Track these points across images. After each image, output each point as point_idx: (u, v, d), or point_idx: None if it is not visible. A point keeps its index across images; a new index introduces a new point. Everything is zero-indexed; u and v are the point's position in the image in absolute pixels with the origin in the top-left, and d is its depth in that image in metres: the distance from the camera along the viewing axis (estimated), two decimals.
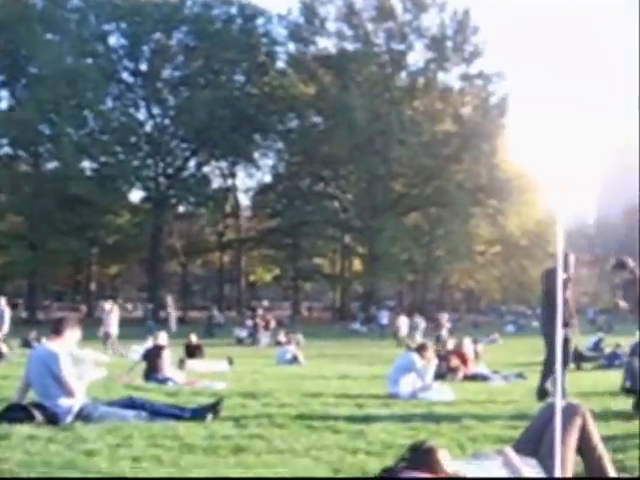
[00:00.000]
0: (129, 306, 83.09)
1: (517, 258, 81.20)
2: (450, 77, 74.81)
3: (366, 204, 72.08)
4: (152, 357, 14.98)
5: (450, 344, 18.97)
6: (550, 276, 11.85)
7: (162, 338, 16.69)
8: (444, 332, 35.53)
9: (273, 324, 46.33)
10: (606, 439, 7.20)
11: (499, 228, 78.28)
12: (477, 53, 72.82)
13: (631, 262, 10.93)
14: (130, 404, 8.67)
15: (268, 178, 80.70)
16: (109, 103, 70.24)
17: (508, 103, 71.17)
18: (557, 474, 5.00)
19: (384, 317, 48.37)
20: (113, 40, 70.29)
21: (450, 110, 75.37)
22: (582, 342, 27.63)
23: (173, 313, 51.26)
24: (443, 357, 17.49)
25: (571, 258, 11.61)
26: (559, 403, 5.12)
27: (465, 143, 70.87)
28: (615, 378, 14.43)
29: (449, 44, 72.30)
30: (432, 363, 12.91)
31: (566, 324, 11.34)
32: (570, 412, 5.31)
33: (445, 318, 37.58)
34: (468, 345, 19.13)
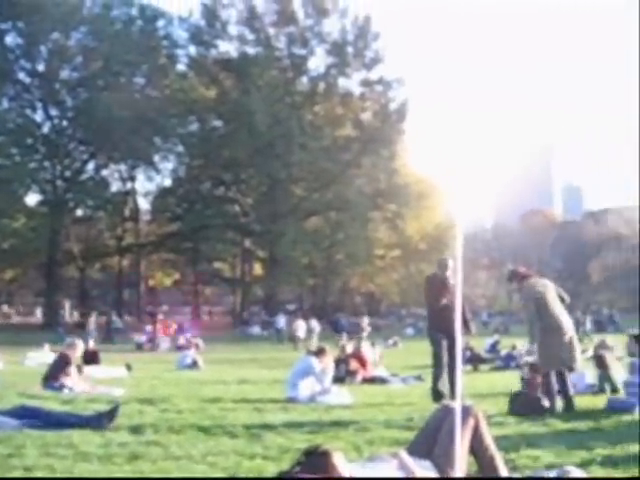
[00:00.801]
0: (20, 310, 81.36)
1: (416, 262, 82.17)
2: (351, 82, 75.51)
3: (266, 208, 72.09)
4: (54, 364, 14.58)
5: (349, 347, 19.05)
6: (430, 282, 12.16)
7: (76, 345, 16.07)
8: (364, 335, 35.78)
9: (172, 329, 45.86)
10: (500, 439, 7.37)
11: (398, 232, 79.17)
12: (377, 59, 73.62)
13: (523, 271, 11.25)
14: (22, 413, 8.47)
15: (168, 182, 79.76)
16: (5, 104, 68.24)
17: (407, 109, 72.19)
18: (458, 474, 5.08)
19: (281, 321, 48.22)
20: (9, 39, 68.40)
21: (350, 115, 76.02)
22: (479, 344, 28.22)
23: (69, 318, 50.33)
24: (342, 360, 17.61)
25: (450, 262, 11.86)
26: (459, 405, 5.20)
27: (365, 148, 71.55)
28: (510, 379, 14.71)
29: (350, 50, 72.93)
30: (330, 367, 12.97)
31: (438, 328, 11.63)
32: (463, 413, 5.39)
33: (365, 322, 37.80)
34: (367, 348, 19.29)
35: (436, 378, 11.77)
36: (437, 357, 11.86)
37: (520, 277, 11.10)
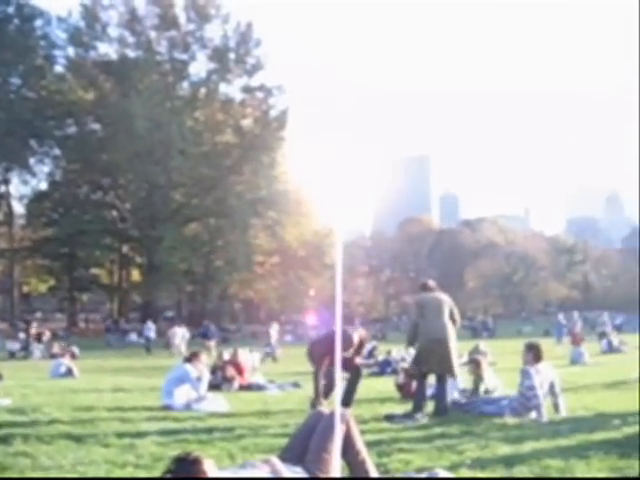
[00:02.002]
0: None
1: (295, 269, 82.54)
2: (232, 88, 75.38)
3: (145, 214, 71.24)
4: None
5: (226, 354, 18.95)
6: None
7: None
8: (273, 342, 35.55)
9: (47, 336, 44.72)
10: (373, 444, 7.48)
11: (278, 239, 79.34)
12: (259, 65, 73.71)
13: (431, 283, 11.47)
14: None
15: (44, 185, 77.69)
16: None
17: (288, 116, 72.48)
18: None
19: (150, 330, 47.15)
20: None
21: (231, 121, 75.84)
22: None
23: None
24: (219, 367, 17.52)
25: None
26: (338, 411, 5.24)
27: (245, 155, 71.50)
28: (386, 384, 14.90)
29: (231, 56, 72.80)
30: (205, 374, 12.89)
31: None
32: (334, 419, 5.44)
33: (275, 329, 37.53)
34: (244, 355, 19.22)
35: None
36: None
37: (427, 288, 11.29)
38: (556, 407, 10.54)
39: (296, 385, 17.73)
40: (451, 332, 10.99)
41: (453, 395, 12.20)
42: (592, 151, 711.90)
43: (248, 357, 20.80)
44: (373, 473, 5.61)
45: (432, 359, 10.66)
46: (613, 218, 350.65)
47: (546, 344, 32.53)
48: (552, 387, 10.51)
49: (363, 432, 7.96)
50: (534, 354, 10.51)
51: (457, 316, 11.32)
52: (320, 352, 11.49)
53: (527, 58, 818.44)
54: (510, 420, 9.79)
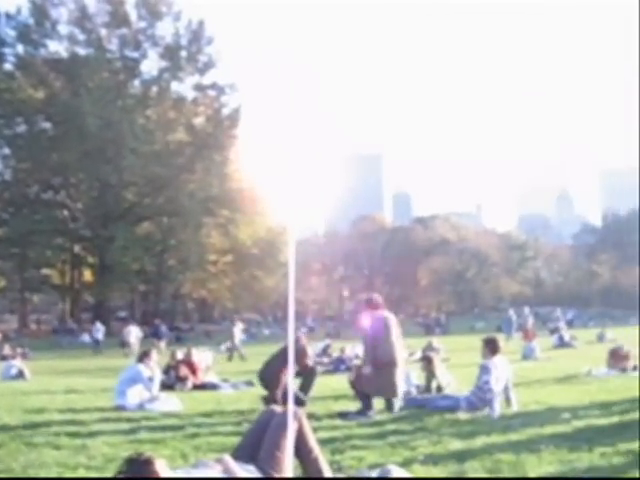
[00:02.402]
0: None
1: (249, 267, 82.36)
2: (184, 87, 74.94)
3: (97, 213, 70.59)
4: None
5: (179, 354, 18.86)
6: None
7: None
8: (237, 341, 35.18)
9: None
10: (327, 441, 7.50)
11: (231, 238, 79.13)
12: (211, 64, 73.40)
13: (378, 298, 11.45)
14: None
15: None
16: None
17: (240, 115, 72.28)
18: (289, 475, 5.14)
19: (99, 331, 46.46)
20: None
21: (183, 120, 75.39)
22: (312, 348, 28.52)
23: None
24: (172, 367, 17.43)
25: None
26: (291, 409, 5.24)
27: (198, 153, 71.15)
28: (340, 382, 14.91)
29: (183, 54, 72.39)
30: (157, 373, 12.83)
31: None
32: (287, 417, 5.45)
33: (239, 327, 37.20)
34: (197, 355, 19.14)
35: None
36: None
37: (375, 306, 11.22)
38: (508, 401, 10.64)
39: (249, 384, 17.68)
40: (402, 356, 11.04)
41: (409, 390, 12.30)
42: (543, 149, 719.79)
43: (202, 356, 20.72)
44: (326, 470, 5.62)
45: (380, 383, 10.62)
46: (564, 215, 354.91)
47: (498, 339, 32.54)
48: (506, 381, 10.62)
49: (317, 430, 7.99)
50: (491, 348, 10.60)
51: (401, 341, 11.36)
52: (274, 371, 11.51)
53: (476, 56, 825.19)
54: (463, 415, 9.86)
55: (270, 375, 11.99)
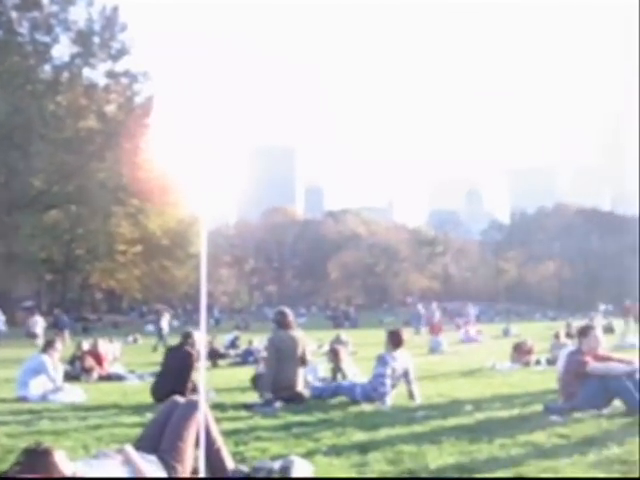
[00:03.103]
0: None
1: (159, 258, 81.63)
2: (96, 73, 73.57)
3: (3, 200, 68.92)
4: None
5: (85, 344, 18.62)
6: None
7: None
8: (165, 333, 34.64)
9: None
10: (231, 432, 7.50)
11: (140, 228, 78.19)
12: (124, 51, 72.30)
13: (290, 317, 11.42)
14: None
15: None
16: None
17: (153, 103, 71.45)
18: (202, 473, 5.11)
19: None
20: None
21: (94, 107, 74.10)
22: (220, 340, 28.61)
23: None
24: (78, 358, 17.22)
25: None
26: (203, 401, 5.21)
27: (108, 141, 70.05)
28: (247, 374, 14.92)
29: (96, 40, 71.07)
30: (59, 365, 12.67)
31: None
32: (190, 408, 5.43)
33: (167, 318, 36.65)
34: (103, 345, 18.94)
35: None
36: None
37: (285, 325, 11.19)
38: (411, 394, 10.80)
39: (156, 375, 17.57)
40: (300, 379, 11.06)
41: (314, 383, 12.37)
42: (453, 146, 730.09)
43: (108, 347, 20.51)
44: (228, 461, 5.63)
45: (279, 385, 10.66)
46: (473, 212, 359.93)
47: (406, 334, 33.08)
48: (407, 374, 10.78)
49: (222, 421, 7.99)
50: (394, 340, 10.77)
51: (308, 356, 11.41)
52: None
53: (388, 48, 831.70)
54: (367, 407, 9.98)
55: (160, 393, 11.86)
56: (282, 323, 11.23)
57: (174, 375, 11.22)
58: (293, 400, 10.46)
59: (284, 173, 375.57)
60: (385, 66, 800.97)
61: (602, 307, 50.07)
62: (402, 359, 10.72)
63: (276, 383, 10.61)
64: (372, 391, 10.41)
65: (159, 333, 34.83)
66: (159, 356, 22.93)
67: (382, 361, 10.51)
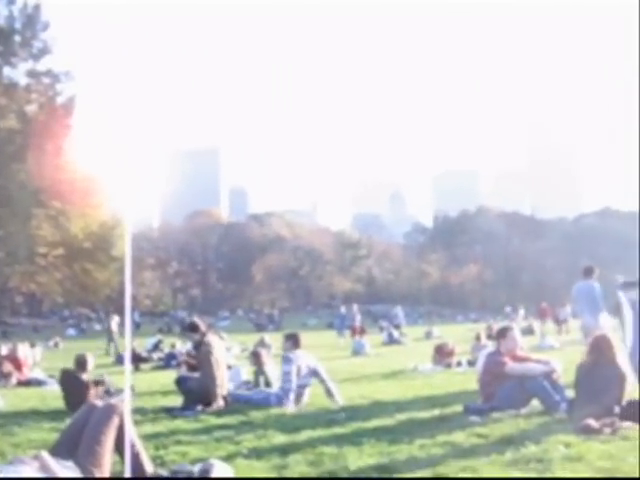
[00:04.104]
0: None
1: (81, 261, 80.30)
2: (16, 73, 72.24)
3: None
4: None
5: (4, 349, 18.29)
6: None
7: None
8: (115, 337, 33.98)
9: None
10: (151, 436, 7.44)
11: (62, 230, 76.87)
12: (46, 50, 71.12)
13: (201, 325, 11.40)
14: None
15: None
16: None
17: (75, 104, 70.48)
18: (127, 474, 5.05)
19: None
20: None
21: (14, 107, 72.70)
22: (142, 343, 28.39)
23: None
24: None
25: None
26: (128, 404, 5.16)
27: (29, 142, 68.82)
28: (170, 377, 14.82)
29: (17, 38, 69.79)
30: None
31: None
32: (108, 412, 5.37)
33: (116, 321, 36.02)
34: (23, 350, 18.62)
35: None
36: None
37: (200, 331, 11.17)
38: (328, 392, 10.84)
39: None
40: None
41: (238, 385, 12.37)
42: (376, 148, 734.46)
43: (28, 352, 20.17)
44: (147, 465, 5.58)
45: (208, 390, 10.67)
46: (396, 214, 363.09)
47: (330, 336, 33.42)
48: (317, 374, 10.83)
49: (142, 424, 7.92)
50: (293, 342, 10.94)
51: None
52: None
53: (307, 47, 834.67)
54: (289, 410, 10.00)
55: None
56: (195, 327, 11.25)
57: (71, 402, 11.02)
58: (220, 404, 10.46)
59: (208, 175, 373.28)
60: (308, 67, 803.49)
61: (521, 309, 50.85)
62: (305, 359, 10.83)
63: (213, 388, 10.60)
64: (284, 395, 10.46)
65: (109, 336, 34.42)
66: None
67: (287, 360, 10.68)
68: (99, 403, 5.61)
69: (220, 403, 10.41)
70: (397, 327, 41.12)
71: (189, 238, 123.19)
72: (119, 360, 24.61)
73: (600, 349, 8.46)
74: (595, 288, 14.53)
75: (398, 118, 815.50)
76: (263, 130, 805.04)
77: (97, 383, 11.70)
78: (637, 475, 5.64)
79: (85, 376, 11.40)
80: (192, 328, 11.35)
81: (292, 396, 10.40)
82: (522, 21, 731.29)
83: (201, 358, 10.77)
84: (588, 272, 14.84)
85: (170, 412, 10.01)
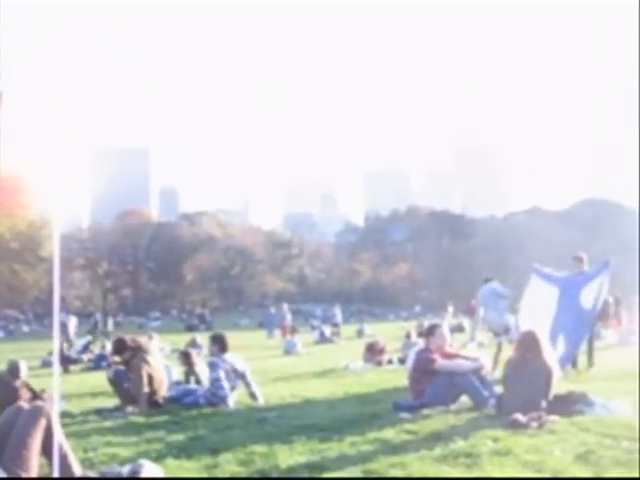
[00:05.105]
0: None
1: (8, 261, 79.13)
2: None
3: None
4: None
5: None
6: None
7: None
8: (72, 337, 33.34)
9: None
10: (81, 438, 7.37)
11: None
12: None
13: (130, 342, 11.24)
14: None
15: None
16: None
17: (2, 101, 69.35)
18: (55, 475, 4.98)
19: None
20: None
21: None
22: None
23: None
24: None
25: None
26: (56, 406, 5.08)
27: None
28: (100, 379, 14.67)
29: None
30: None
31: None
32: (35, 414, 5.30)
33: (73, 323, 35.32)
34: None
35: None
36: None
37: (130, 348, 10.96)
38: (252, 396, 10.82)
39: None
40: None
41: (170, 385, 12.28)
42: (307, 148, 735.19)
43: None
44: (75, 468, 5.51)
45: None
46: (328, 214, 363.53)
47: (262, 336, 33.36)
48: (244, 376, 10.78)
49: (71, 426, 7.82)
50: (219, 346, 10.79)
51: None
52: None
53: (237, 46, 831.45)
54: (223, 409, 9.98)
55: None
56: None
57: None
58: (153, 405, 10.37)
59: (138, 175, 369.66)
60: (237, 66, 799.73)
61: (450, 307, 51.36)
62: (234, 361, 10.76)
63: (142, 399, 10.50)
64: (212, 397, 10.41)
65: (66, 338, 33.89)
66: (2, 364, 22.24)
67: (214, 366, 10.55)
68: (25, 405, 5.53)
69: (144, 408, 10.28)
70: (335, 326, 41.35)
71: (119, 238, 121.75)
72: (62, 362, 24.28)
73: (527, 345, 8.60)
74: (497, 289, 15.18)
75: (328, 117, 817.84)
76: (194, 129, 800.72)
77: (31, 390, 11.46)
78: (563, 467, 5.75)
79: (18, 382, 11.22)
80: (118, 349, 11.17)
81: (230, 401, 10.34)
82: (448, 21, 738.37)
83: (132, 369, 10.61)
84: (487, 280, 15.81)
85: (100, 414, 9.92)
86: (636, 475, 5.53)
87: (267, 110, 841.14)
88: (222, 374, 10.34)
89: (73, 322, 35.80)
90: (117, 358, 13.00)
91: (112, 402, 10.87)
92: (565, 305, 13.11)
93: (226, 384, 10.33)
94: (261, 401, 10.75)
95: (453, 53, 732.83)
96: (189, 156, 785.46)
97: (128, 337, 11.36)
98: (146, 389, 10.24)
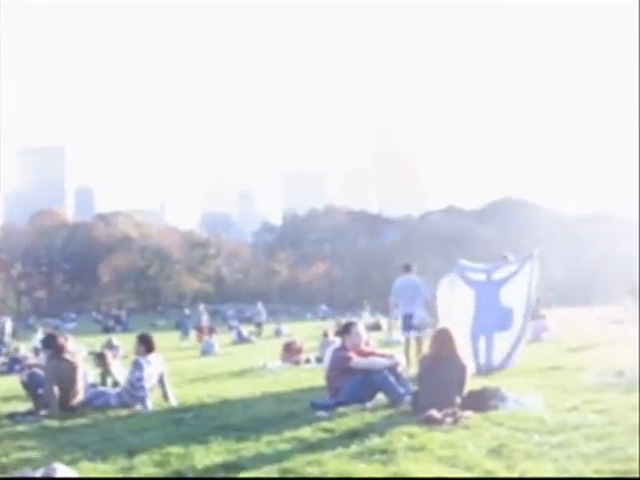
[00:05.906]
0: None
1: None
2: None
3: None
4: None
5: None
6: None
7: None
8: (7, 339, 32.37)
9: None
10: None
11: None
12: None
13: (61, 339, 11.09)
14: None
15: None
16: None
17: None
18: None
19: None
20: None
21: None
22: None
23: None
24: None
25: None
26: None
27: None
28: (13, 382, 14.42)
29: None
30: None
31: None
32: None
33: (9, 324, 34.33)
34: None
35: None
36: None
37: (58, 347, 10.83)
38: (165, 396, 10.78)
39: None
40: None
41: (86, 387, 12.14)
42: (225, 147, 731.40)
43: None
44: None
45: None
46: (245, 213, 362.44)
47: (178, 337, 33.22)
48: (161, 378, 10.74)
49: None
50: (146, 346, 10.70)
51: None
52: None
53: (162, 44, 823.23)
54: (141, 411, 9.92)
55: None
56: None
57: None
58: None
59: (53, 174, 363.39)
60: (158, 64, 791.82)
61: (367, 305, 51.74)
62: (156, 362, 10.70)
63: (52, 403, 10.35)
64: (129, 398, 10.34)
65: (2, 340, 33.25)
66: None
67: (138, 365, 10.45)
68: None
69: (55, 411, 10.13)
70: (259, 325, 41.50)
71: (33, 239, 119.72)
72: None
73: (442, 342, 8.73)
74: (418, 282, 15.23)
75: (246, 117, 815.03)
76: (110, 128, 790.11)
77: None
78: (476, 462, 5.86)
79: None
80: (47, 344, 11.07)
81: (149, 402, 10.28)
82: (364, 22, 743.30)
83: (47, 371, 10.46)
84: (407, 268, 15.65)
85: (12, 418, 9.76)
86: (547, 467, 5.67)
87: (182, 108, 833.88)
88: (145, 375, 10.27)
89: (9, 324, 35.21)
90: (33, 360, 12.82)
91: (26, 406, 10.70)
92: (484, 305, 13.25)
93: (147, 385, 10.26)
94: (174, 402, 10.70)
95: (372, 53, 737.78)
96: (105, 155, 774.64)
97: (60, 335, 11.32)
98: (57, 391, 10.12)
